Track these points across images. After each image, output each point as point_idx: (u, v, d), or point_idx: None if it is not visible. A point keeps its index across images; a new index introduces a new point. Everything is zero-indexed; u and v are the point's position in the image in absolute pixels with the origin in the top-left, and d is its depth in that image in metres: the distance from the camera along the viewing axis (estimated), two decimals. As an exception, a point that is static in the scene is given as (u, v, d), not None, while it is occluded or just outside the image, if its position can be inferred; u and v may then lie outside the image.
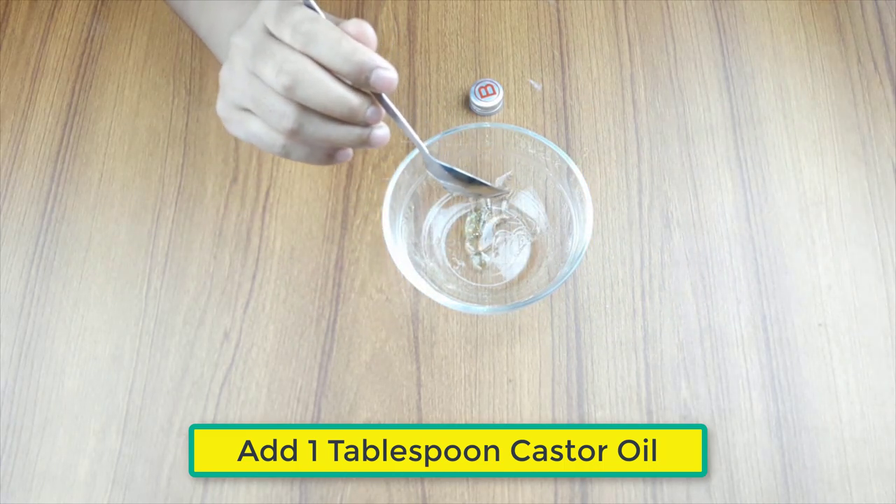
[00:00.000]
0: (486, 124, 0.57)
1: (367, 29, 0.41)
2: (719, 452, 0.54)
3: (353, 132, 0.43)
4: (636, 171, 0.63)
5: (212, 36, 0.52)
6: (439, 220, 0.61)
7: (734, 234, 0.60)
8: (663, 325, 0.58)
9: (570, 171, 0.54)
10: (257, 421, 0.56)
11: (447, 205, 0.61)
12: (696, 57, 0.67)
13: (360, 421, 0.56)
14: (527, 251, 0.60)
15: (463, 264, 0.60)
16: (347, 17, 0.68)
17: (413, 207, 0.59)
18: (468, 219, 0.61)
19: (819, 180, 0.62)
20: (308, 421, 0.56)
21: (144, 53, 0.68)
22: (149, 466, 0.55)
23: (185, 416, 0.56)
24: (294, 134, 0.42)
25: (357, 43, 0.40)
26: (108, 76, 0.67)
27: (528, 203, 0.61)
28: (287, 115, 0.41)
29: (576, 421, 0.55)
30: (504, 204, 0.61)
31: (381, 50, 0.67)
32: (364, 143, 0.43)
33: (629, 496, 0.54)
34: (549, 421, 0.55)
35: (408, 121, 0.65)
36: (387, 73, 0.41)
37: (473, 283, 0.59)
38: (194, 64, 0.67)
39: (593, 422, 0.55)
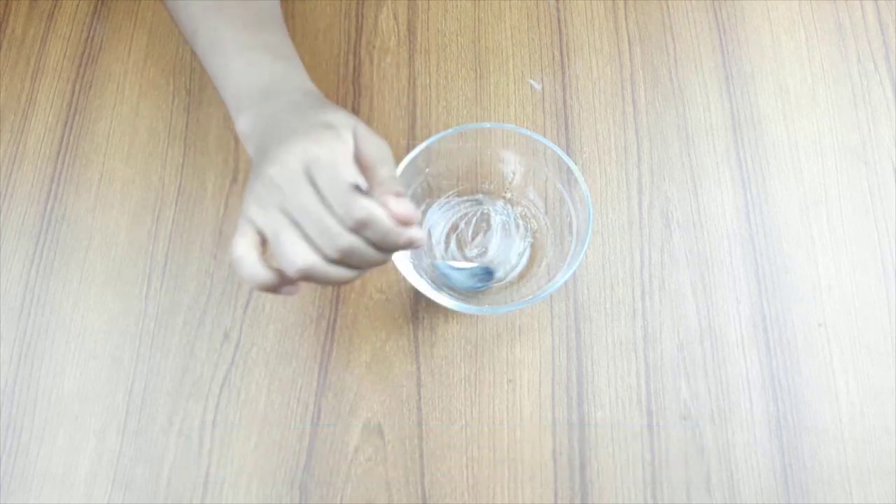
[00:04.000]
0: (487, 124, 0.57)
1: (409, 213, 0.44)
2: (719, 452, 0.54)
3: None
4: (636, 171, 0.63)
5: (218, 78, 0.52)
6: (439, 220, 0.61)
7: (734, 234, 0.60)
8: (663, 325, 0.58)
9: (570, 171, 0.54)
10: (257, 421, 0.56)
11: (447, 205, 0.61)
12: (696, 57, 0.67)
13: (360, 421, 0.56)
14: (527, 251, 0.60)
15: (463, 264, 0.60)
16: (347, 17, 0.69)
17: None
18: (471, 226, 0.60)
19: (819, 180, 0.62)
20: (308, 421, 0.56)
21: (144, 53, 0.68)
22: (149, 466, 0.55)
23: (185, 416, 0.56)
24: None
25: (400, 229, 0.44)
26: (108, 76, 0.67)
27: (528, 203, 0.61)
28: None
29: (576, 421, 0.55)
30: (504, 205, 0.61)
31: (382, 50, 0.67)
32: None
33: (629, 496, 0.54)
34: (549, 421, 0.55)
35: (408, 121, 0.65)
36: (421, 242, 0.45)
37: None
38: (194, 64, 0.67)
39: (593, 422, 0.55)
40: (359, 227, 0.42)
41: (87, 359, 0.58)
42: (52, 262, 0.61)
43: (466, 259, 0.60)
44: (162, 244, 0.61)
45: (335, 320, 0.59)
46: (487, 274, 0.58)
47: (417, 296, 0.59)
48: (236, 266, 0.44)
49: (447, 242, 0.60)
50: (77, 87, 0.67)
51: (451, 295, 0.55)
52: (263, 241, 0.44)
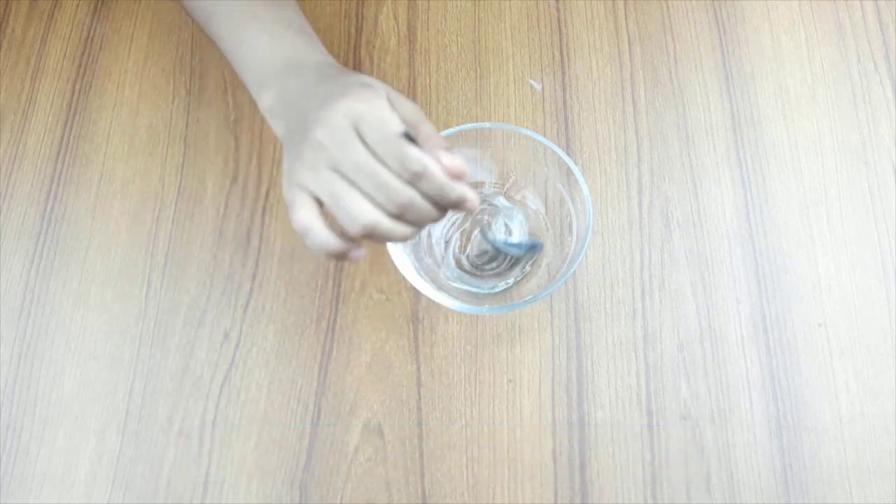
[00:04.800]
0: (487, 124, 0.57)
1: (461, 167, 0.44)
2: (719, 452, 0.54)
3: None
4: (636, 171, 0.63)
5: (238, 56, 0.52)
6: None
7: (734, 234, 0.60)
8: (663, 325, 0.58)
9: (570, 171, 0.54)
10: (257, 421, 0.56)
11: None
12: (696, 57, 0.67)
13: (360, 421, 0.56)
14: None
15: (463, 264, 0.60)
16: (347, 17, 0.69)
17: (413, 207, 0.59)
18: (473, 236, 0.60)
19: (819, 180, 0.62)
20: (308, 421, 0.56)
21: (144, 53, 0.68)
22: (149, 466, 0.55)
23: (185, 416, 0.56)
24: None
25: (452, 183, 0.43)
26: (108, 76, 0.67)
27: (528, 203, 0.61)
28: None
29: (576, 421, 0.55)
30: (509, 205, 0.61)
31: (382, 50, 0.67)
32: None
33: (629, 496, 0.54)
34: (549, 421, 0.55)
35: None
36: (474, 203, 0.45)
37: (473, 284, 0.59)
38: (194, 64, 0.67)
39: (593, 422, 0.55)
40: (414, 180, 0.42)
41: (87, 359, 0.58)
42: (52, 262, 0.61)
43: (467, 259, 0.60)
44: (162, 244, 0.61)
45: (335, 320, 0.59)
46: (533, 248, 0.58)
47: (417, 296, 0.59)
48: (305, 236, 0.43)
49: (447, 242, 0.60)
50: (77, 87, 0.67)
51: (451, 295, 0.55)
52: (321, 208, 0.43)
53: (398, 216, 0.43)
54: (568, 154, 0.57)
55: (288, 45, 0.51)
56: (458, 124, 0.63)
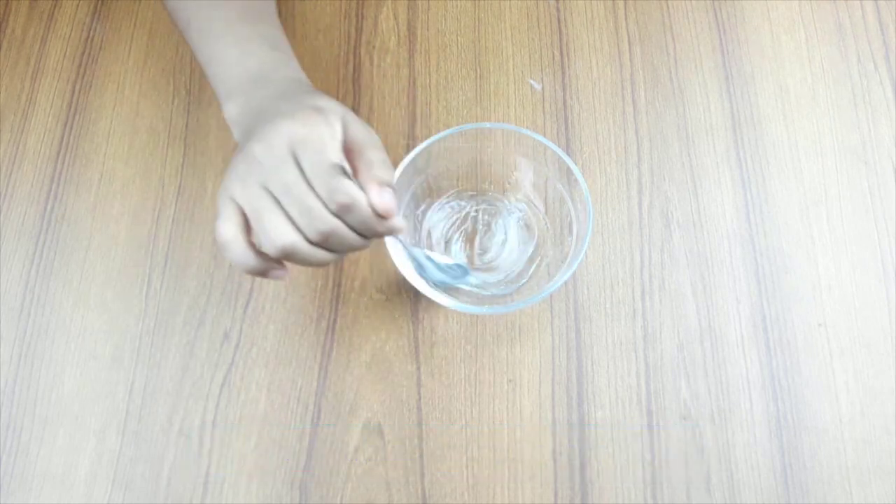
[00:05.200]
0: (487, 124, 0.57)
1: (388, 205, 0.44)
2: (719, 452, 0.54)
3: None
4: (636, 171, 0.63)
5: (210, 66, 0.53)
6: (439, 220, 0.61)
7: (734, 234, 0.60)
8: (663, 325, 0.58)
9: (570, 171, 0.54)
10: (257, 421, 0.56)
11: (447, 205, 0.61)
12: (696, 57, 0.67)
13: (360, 421, 0.56)
14: (526, 251, 0.60)
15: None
16: (347, 17, 0.69)
17: (413, 207, 0.59)
18: (475, 226, 0.60)
19: (819, 180, 0.62)
20: (308, 421, 0.56)
21: (144, 53, 0.68)
22: (149, 466, 0.55)
23: (185, 416, 0.56)
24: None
25: (378, 220, 0.44)
26: (108, 76, 0.67)
27: (527, 203, 0.61)
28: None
29: (576, 421, 0.55)
30: (510, 205, 0.61)
31: (382, 50, 0.67)
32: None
33: (629, 496, 0.54)
34: (549, 421, 0.55)
35: (408, 121, 0.65)
36: (402, 230, 0.46)
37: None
38: (194, 64, 0.67)
39: (593, 422, 0.55)
40: (341, 211, 0.42)
41: (87, 359, 0.58)
42: (52, 262, 0.61)
43: (468, 259, 0.60)
44: (162, 244, 0.61)
45: (335, 320, 0.59)
46: (462, 272, 0.57)
47: (417, 296, 0.59)
48: (224, 250, 0.43)
49: (448, 242, 0.60)
50: (77, 87, 0.67)
51: (451, 295, 0.55)
52: (247, 223, 0.44)
53: (319, 243, 0.43)
54: (568, 154, 0.57)
55: (258, 59, 0.51)
56: (458, 124, 0.63)
